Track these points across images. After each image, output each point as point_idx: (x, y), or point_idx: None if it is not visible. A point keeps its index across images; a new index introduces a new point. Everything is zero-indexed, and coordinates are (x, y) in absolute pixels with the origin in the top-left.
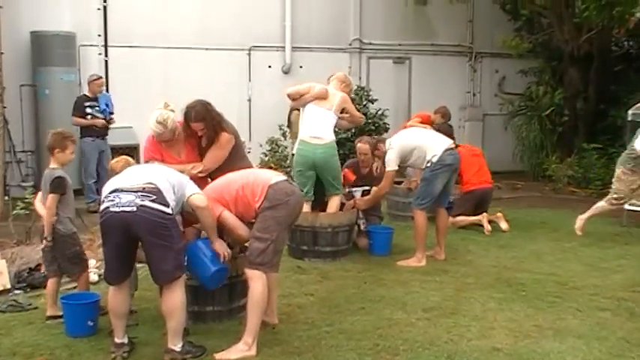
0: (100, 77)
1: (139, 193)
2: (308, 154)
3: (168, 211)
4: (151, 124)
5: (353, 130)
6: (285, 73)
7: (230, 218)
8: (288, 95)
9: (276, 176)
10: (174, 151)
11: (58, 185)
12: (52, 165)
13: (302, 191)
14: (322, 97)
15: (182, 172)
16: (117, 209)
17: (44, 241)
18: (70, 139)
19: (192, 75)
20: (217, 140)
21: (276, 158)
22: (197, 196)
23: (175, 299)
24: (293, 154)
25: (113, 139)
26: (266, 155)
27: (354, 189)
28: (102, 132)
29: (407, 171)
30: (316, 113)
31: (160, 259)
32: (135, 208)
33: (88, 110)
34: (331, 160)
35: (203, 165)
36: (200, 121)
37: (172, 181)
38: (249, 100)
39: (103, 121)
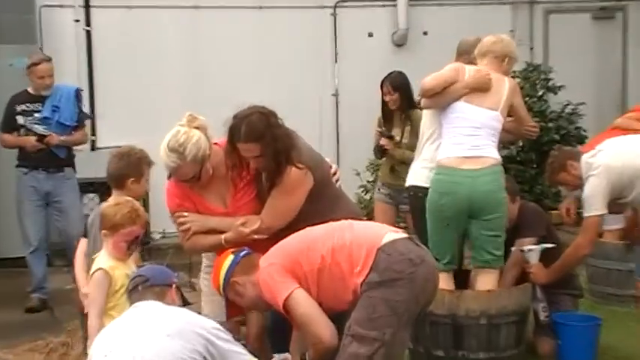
0: (44, 60)
1: None
2: (458, 187)
3: None
4: (161, 153)
5: (521, 143)
6: (399, 45)
7: (304, 304)
8: (425, 91)
9: (391, 232)
10: (212, 195)
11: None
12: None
13: (439, 257)
14: (483, 87)
15: (224, 229)
16: None
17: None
18: (145, 160)
19: (236, 54)
20: (281, 180)
21: None
22: None
23: None
24: (417, 190)
25: (90, 169)
26: (366, 190)
27: (527, 247)
28: (41, 158)
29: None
30: (471, 116)
31: None
32: None
33: (20, 120)
34: (498, 197)
35: (261, 220)
36: (254, 141)
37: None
38: (336, 95)
39: (33, 139)
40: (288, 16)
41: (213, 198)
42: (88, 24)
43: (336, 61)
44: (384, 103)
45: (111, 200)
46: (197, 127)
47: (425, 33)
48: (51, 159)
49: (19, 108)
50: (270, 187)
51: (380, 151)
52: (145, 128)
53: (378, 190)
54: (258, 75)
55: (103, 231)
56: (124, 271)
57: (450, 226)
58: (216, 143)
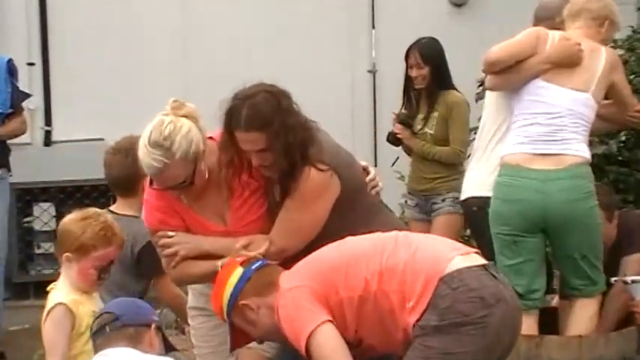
0: None
1: None
2: (525, 194)
3: None
4: (140, 152)
5: (623, 138)
6: (457, 4)
7: (330, 344)
8: (490, 64)
9: (459, 256)
10: (207, 208)
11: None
12: (128, 210)
13: (516, 289)
14: (570, 61)
15: (221, 253)
16: None
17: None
18: None
19: (239, 19)
20: (296, 185)
21: None
22: None
23: None
24: (482, 203)
25: (44, 170)
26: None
27: (631, 277)
28: None
29: None
30: (551, 99)
31: None
32: None
33: None
34: (582, 207)
35: (269, 241)
36: (259, 129)
37: None
38: (373, 72)
39: None
40: None
41: (208, 212)
42: None
43: (374, 27)
44: (409, 79)
45: (74, 213)
46: (185, 116)
47: None
48: None
49: None
50: (283, 195)
51: (393, 140)
52: (117, 116)
53: (406, 202)
54: (269, 46)
55: (66, 254)
56: (90, 308)
57: (521, 247)
58: (211, 137)
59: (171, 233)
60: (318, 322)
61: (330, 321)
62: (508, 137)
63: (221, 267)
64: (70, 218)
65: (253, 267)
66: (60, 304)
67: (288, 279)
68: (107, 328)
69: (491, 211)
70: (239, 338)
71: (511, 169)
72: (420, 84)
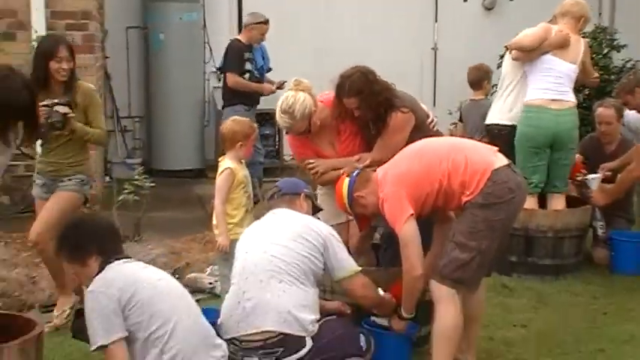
0: (268, 20)
1: (260, 352)
2: (547, 123)
3: (303, 352)
4: (277, 115)
5: (587, 92)
6: (489, 8)
7: (411, 234)
8: (521, 48)
9: (496, 160)
10: (324, 142)
11: None
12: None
13: (529, 180)
14: (564, 44)
15: (344, 167)
16: None
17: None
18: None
19: (353, 19)
20: (385, 125)
21: None
22: (357, 280)
23: None
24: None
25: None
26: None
27: (589, 176)
28: (257, 98)
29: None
30: (556, 68)
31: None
32: None
33: (248, 66)
34: (575, 132)
35: (372, 156)
36: (354, 95)
37: (310, 275)
38: (435, 50)
39: (271, 87)
40: None
41: (325, 146)
42: None
43: (436, 21)
44: None
45: (229, 122)
46: (302, 90)
47: None
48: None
49: (245, 55)
50: (378, 130)
51: None
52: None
53: None
54: (373, 35)
55: (239, 142)
56: (242, 172)
57: (539, 155)
58: (323, 100)
59: (311, 161)
60: (406, 215)
61: (412, 214)
62: (529, 90)
63: (343, 173)
64: (230, 124)
65: (354, 174)
66: (228, 168)
67: (383, 175)
68: (275, 196)
69: (521, 132)
70: (362, 222)
71: (538, 109)
72: None
